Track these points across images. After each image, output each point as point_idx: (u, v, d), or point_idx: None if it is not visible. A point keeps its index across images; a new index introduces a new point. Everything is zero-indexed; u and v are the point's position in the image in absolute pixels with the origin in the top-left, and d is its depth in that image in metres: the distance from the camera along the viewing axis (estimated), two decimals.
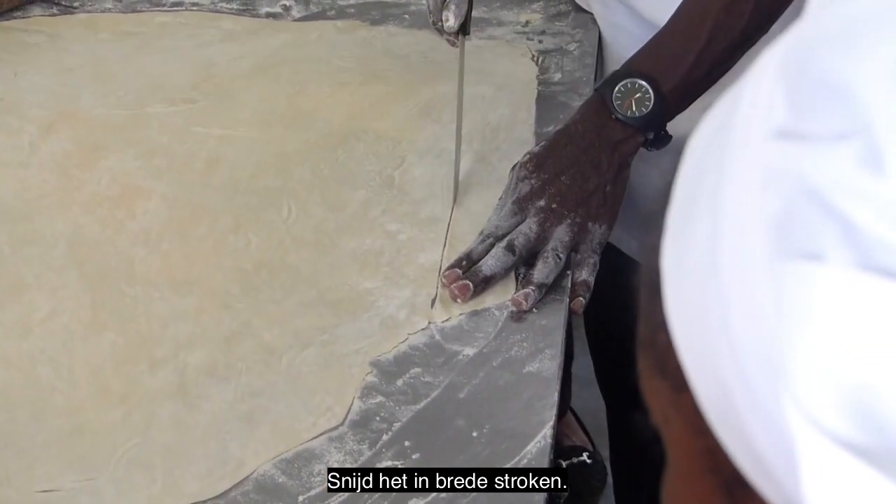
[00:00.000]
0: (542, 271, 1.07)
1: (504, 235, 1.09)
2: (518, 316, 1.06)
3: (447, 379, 1.01)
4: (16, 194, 1.19)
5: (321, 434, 0.96)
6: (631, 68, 1.15)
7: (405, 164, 1.22)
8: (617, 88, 1.13)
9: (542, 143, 1.15)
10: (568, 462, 1.60)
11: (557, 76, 1.35)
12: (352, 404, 0.99)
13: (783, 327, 0.30)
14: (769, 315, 0.31)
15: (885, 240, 0.29)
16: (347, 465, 0.93)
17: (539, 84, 1.34)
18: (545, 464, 0.93)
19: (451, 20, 1.16)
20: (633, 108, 1.13)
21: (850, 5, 0.32)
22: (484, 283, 1.07)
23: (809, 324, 0.30)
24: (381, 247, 1.13)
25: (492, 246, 1.09)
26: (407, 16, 1.46)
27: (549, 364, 1.02)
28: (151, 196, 1.19)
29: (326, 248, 1.13)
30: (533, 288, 1.06)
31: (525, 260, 1.09)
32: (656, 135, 1.15)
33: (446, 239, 1.14)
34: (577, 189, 1.11)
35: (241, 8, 1.48)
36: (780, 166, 0.31)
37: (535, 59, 1.37)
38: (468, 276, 1.07)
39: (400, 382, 1.01)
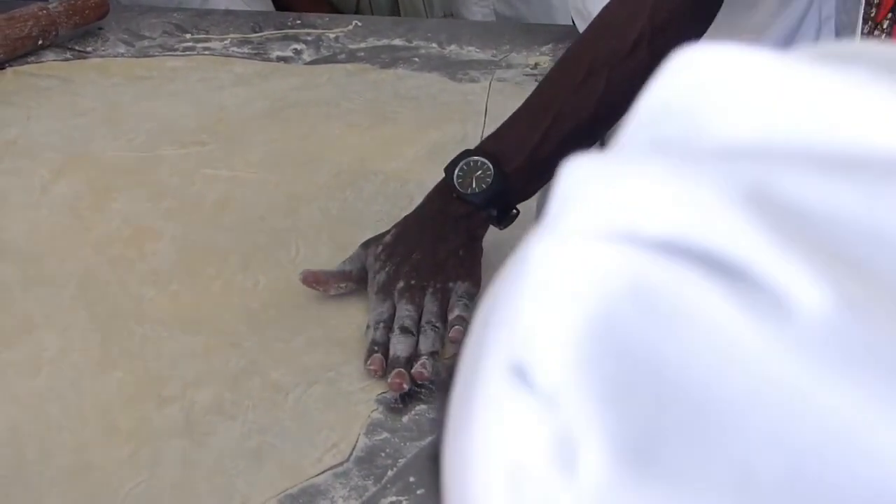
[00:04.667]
0: (426, 343, 1.05)
1: (390, 320, 1.08)
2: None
3: None
4: (27, 235, 1.20)
5: (326, 470, 0.96)
6: (476, 149, 1.14)
7: (413, 204, 1.22)
8: (459, 167, 1.12)
9: (392, 231, 1.14)
10: None
11: None
12: (357, 441, 0.99)
13: None
14: None
15: None
16: (352, 502, 0.94)
17: None
18: None
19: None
20: (474, 186, 1.11)
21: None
22: (409, 366, 1.04)
23: None
24: None
25: (387, 330, 1.07)
26: (416, 59, 1.47)
27: None
28: (161, 237, 1.20)
29: None
30: (425, 357, 1.04)
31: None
32: (500, 212, 1.13)
33: None
34: (430, 261, 1.10)
35: (252, 52, 1.50)
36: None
37: None
38: (393, 363, 1.04)
39: (405, 419, 1.01)
